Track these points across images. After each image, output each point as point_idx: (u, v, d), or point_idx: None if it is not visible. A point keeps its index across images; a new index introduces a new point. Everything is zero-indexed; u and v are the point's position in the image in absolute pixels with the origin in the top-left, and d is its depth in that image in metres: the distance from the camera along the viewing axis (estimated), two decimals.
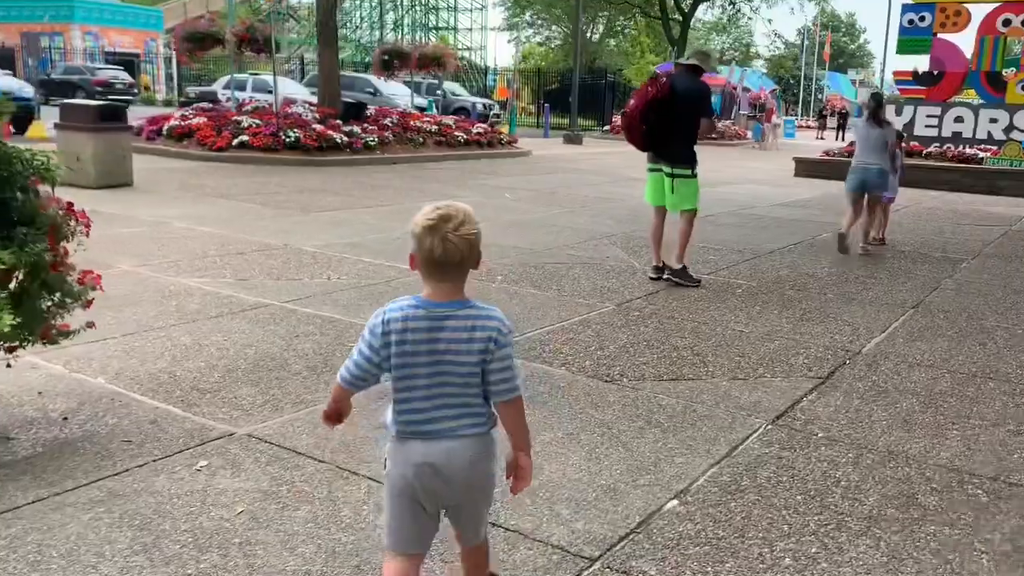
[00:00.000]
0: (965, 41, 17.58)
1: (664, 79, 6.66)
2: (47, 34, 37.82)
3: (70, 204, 3.44)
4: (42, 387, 3.91)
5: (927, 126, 17.41)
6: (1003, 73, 17.16)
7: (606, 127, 33.64)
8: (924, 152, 17.01)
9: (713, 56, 7.45)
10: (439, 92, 28.39)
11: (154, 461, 3.22)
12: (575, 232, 9.23)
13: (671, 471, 3.36)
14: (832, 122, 41.86)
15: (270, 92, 18.51)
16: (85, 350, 4.40)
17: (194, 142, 15.41)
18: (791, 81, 67.57)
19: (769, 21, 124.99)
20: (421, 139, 17.88)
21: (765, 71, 60.25)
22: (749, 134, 33.95)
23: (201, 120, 16.03)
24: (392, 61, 20.24)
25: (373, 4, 54.60)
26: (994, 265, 8.51)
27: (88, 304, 3.53)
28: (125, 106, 12.27)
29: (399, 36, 49.44)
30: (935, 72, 17.81)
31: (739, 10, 47.14)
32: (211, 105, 19.59)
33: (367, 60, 35.33)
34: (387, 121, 17.88)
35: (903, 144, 10.96)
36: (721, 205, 12.10)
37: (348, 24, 55.43)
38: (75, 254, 3.46)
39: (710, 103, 7.00)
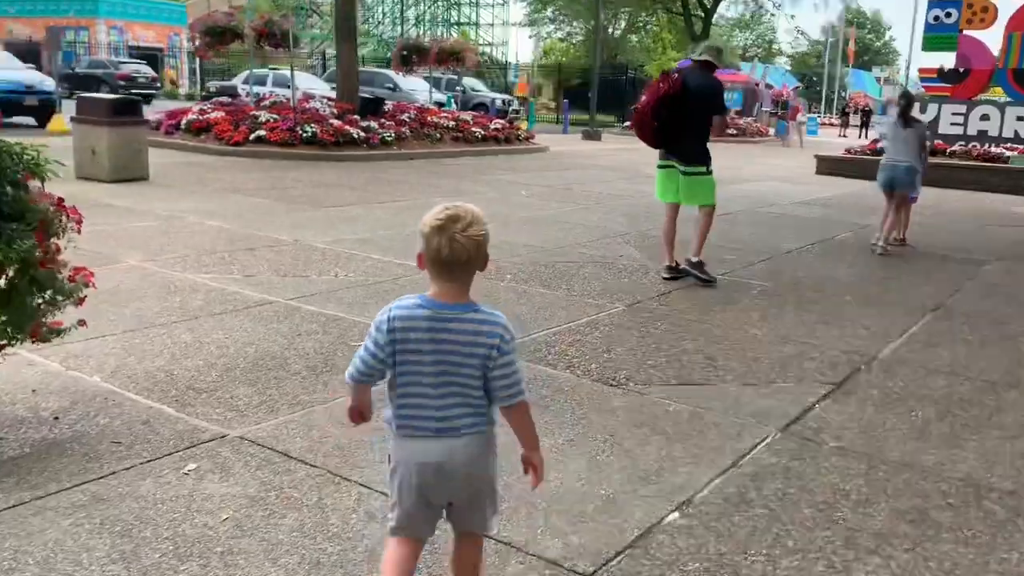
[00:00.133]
0: (992, 38, 17.25)
1: (676, 75, 6.53)
2: (72, 28, 38.07)
3: (61, 200, 3.37)
4: (37, 384, 3.86)
5: (952, 124, 17.06)
6: None
7: (626, 123, 33.36)
8: (948, 151, 16.69)
9: (726, 51, 7.33)
10: (458, 88, 28.30)
11: (142, 464, 3.15)
12: (588, 230, 9.10)
13: (674, 481, 3.24)
14: (855, 120, 41.33)
15: (291, 87, 18.50)
16: (83, 347, 4.34)
17: (212, 136, 15.42)
18: (814, 78, 66.86)
19: (792, 17, 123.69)
20: (438, 135, 17.79)
21: (788, 68, 59.65)
22: (771, 131, 33.61)
23: (219, 115, 16.03)
24: (411, 56, 20.16)
25: None
26: (1019, 267, 8.30)
27: (80, 302, 3.46)
28: (140, 100, 12.22)
29: (421, 31, 49.36)
30: (961, 69, 17.47)
31: (762, 6, 46.67)
32: (229, 100, 19.61)
33: (388, 55, 35.31)
34: (404, 116, 17.81)
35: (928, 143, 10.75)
36: (740, 203, 11.91)
37: (370, 19, 55.46)
38: (67, 249, 3.38)
39: (723, 99, 6.86)
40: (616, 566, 2.65)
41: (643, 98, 6.75)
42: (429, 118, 18.30)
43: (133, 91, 29.16)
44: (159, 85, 35.21)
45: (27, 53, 29.12)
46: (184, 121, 16.04)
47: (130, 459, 3.18)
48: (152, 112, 17.98)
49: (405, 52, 20.28)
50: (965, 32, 17.16)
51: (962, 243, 9.65)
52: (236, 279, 6.06)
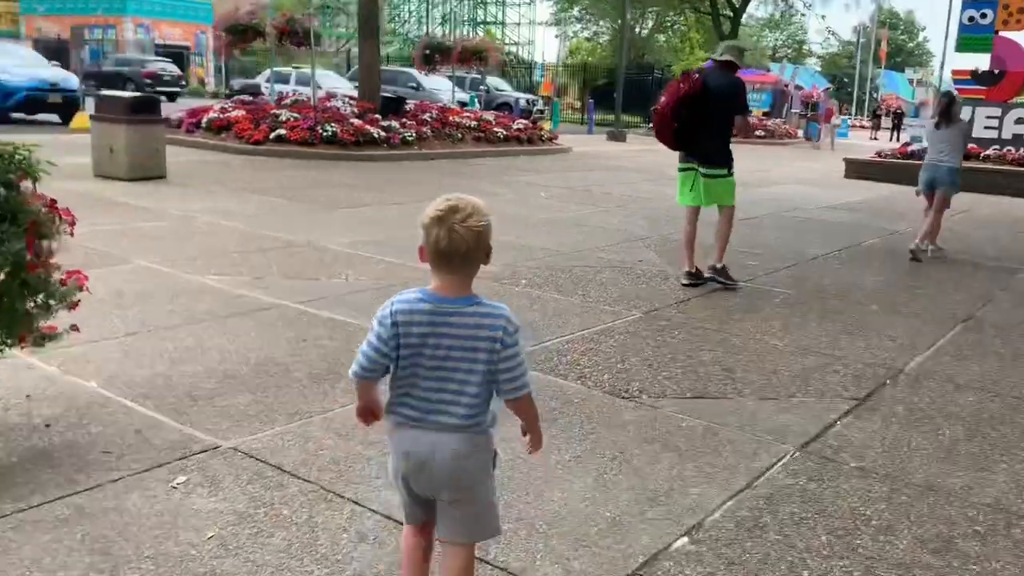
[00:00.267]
0: None
1: (696, 75, 6.35)
2: (100, 27, 38.42)
3: (53, 201, 3.27)
4: (32, 389, 3.77)
5: (986, 128, 16.66)
6: None
7: (651, 124, 33.10)
8: (982, 155, 16.30)
9: (747, 51, 7.16)
10: (482, 87, 28.19)
11: (130, 476, 3.04)
12: (608, 233, 8.93)
13: (684, 503, 3.08)
14: (887, 122, 40.72)
15: (318, 86, 18.48)
16: (83, 351, 4.25)
17: (232, 135, 15.41)
18: (845, 79, 66.03)
19: (823, 17, 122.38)
20: (459, 135, 17.67)
21: (818, 69, 58.94)
22: (800, 133, 33.17)
23: (240, 113, 16.02)
24: (433, 55, 20.07)
25: None
26: None
27: (73, 306, 3.36)
28: (159, 98, 12.22)
29: (446, 31, 49.36)
30: (996, 71, 17.06)
31: (792, 6, 46.13)
32: (251, 98, 19.62)
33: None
34: (426, 116, 17.71)
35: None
36: (765, 206, 11.69)
37: (396, 19, 55.58)
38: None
39: (745, 99, 6.67)
40: None
41: (662, 99, 6.58)
42: (451, 118, 18.19)
43: (159, 89, 29.47)
44: (184, 83, 35.40)
45: (56, 51, 29.45)
46: (205, 119, 16.04)
47: (119, 470, 3.07)
48: (176, 110, 18.08)
49: (427, 51, 20.20)
50: (1001, 33, 16.77)
51: (994, 251, 9.37)
52: (245, 281, 5.96)
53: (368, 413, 2.16)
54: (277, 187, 11.03)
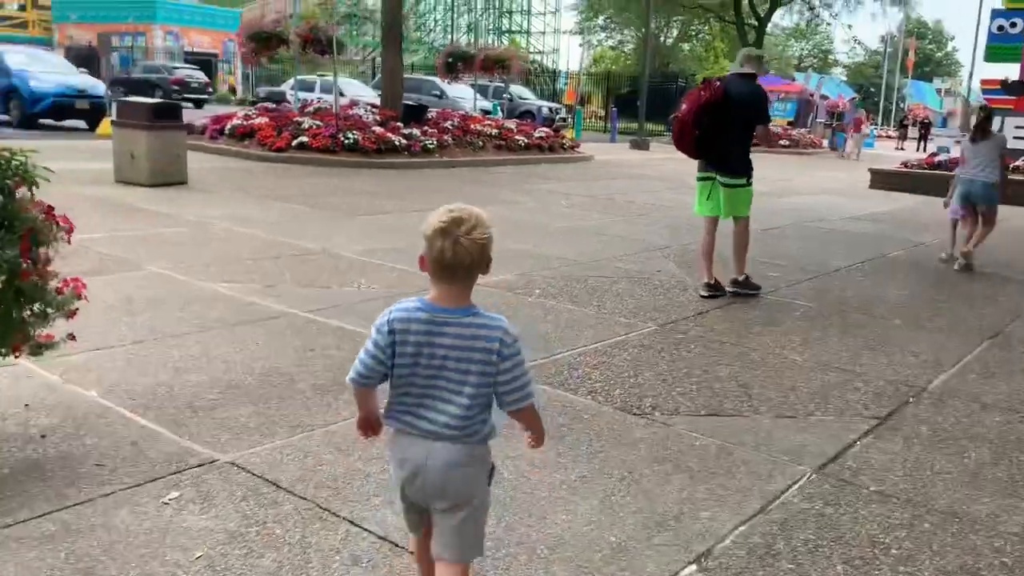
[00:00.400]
0: None
1: (718, 82, 6.24)
2: (130, 34, 38.90)
3: (51, 208, 3.21)
4: (31, 399, 3.71)
5: (1016, 138, 16.29)
6: None
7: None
8: (1012, 165, 15.95)
9: (765, 58, 7.03)
10: (505, 95, 28.15)
11: (122, 490, 2.96)
12: (627, 242, 8.80)
13: (694, 528, 2.95)
14: (913, 132, 40.21)
15: (341, 93, 18.52)
16: (87, 359, 4.20)
17: (255, 142, 15.43)
18: (871, 89, 65.37)
19: (849, 27, 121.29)
20: (481, 143, 17.60)
21: (844, 79, 58.39)
22: (825, 142, 32.81)
23: (263, 120, 16.06)
24: (456, 64, 20.04)
25: (447, 7, 54.82)
26: None
27: (71, 314, 3.30)
28: (180, 104, 12.27)
29: (471, 39, 49.49)
30: None
31: (818, 15, 45.68)
32: (274, 105, 19.70)
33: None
34: (447, 124, 17.66)
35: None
36: (788, 216, 11.49)
37: (422, 27, 55.77)
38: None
39: (767, 108, 6.57)
40: None
41: (683, 106, 6.47)
42: (472, 126, 18.14)
43: (186, 95, 29.75)
44: (212, 90, 35.71)
45: (87, 58, 29.85)
46: (228, 126, 16.10)
47: (111, 484, 2.99)
48: (201, 117, 18.19)
49: (450, 59, 20.17)
50: None
51: None
52: (256, 289, 5.90)
53: (368, 426, 2.17)
54: (298, 194, 11.00)
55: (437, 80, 25.74)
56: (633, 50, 52.43)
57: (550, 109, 30.78)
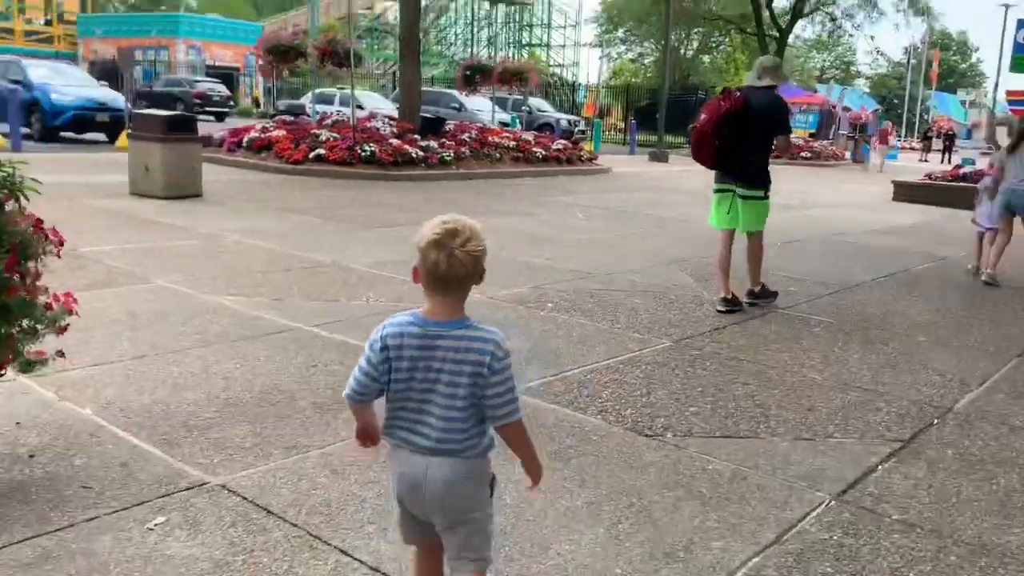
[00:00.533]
0: None
1: (738, 92, 6.10)
2: (152, 48, 39.31)
3: (39, 221, 3.11)
4: (23, 416, 3.61)
5: None
6: None
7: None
8: None
9: (783, 66, 6.90)
10: (524, 108, 28.10)
11: (107, 515, 2.84)
12: (643, 256, 8.65)
13: (704, 560, 2.79)
14: (938, 144, 39.76)
15: (359, 106, 18.52)
16: (84, 374, 4.11)
17: (272, 155, 15.43)
18: (895, 100, 64.81)
19: (872, 38, 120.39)
20: (498, 155, 17.51)
21: (867, 90, 57.93)
22: (847, 154, 32.48)
23: (280, 133, 16.06)
24: (474, 76, 20.00)
25: (467, 21, 55.00)
26: None
27: (62, 330, 3.19)
28: (195, 117, 12.26)
29: (491, 53, 49.54)
30: None
31: (840, 26, 45.42)
32: (292, 118, 19.73)
33: None
34: (465, 136, 17.60)
35: None
36: (809, 229, 11.30)
37: (443, 41, 56.00)
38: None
39: (787, 118, 6.43)
40: None
41: (702, 116, 6.33)
42: (490, 138, 18.06)
43: (208, 109, 29.94)
44: (233, 103, 35.96)
45: (111, 72, 30.10)
46: (246, 139, 16.12)
47: (96, 508, 2.88)
48: (220, 129, 18.25)
49: (468, 72, 20.14)
50: None
51: None
52: (263, 302, 5.80)
53: (367, 436, 2.16)
54: (314, 206, 10.94)
55: (456, 93, 25.74)
56: (653, 62, 52.34)
57: (569, 121, 30.67)
